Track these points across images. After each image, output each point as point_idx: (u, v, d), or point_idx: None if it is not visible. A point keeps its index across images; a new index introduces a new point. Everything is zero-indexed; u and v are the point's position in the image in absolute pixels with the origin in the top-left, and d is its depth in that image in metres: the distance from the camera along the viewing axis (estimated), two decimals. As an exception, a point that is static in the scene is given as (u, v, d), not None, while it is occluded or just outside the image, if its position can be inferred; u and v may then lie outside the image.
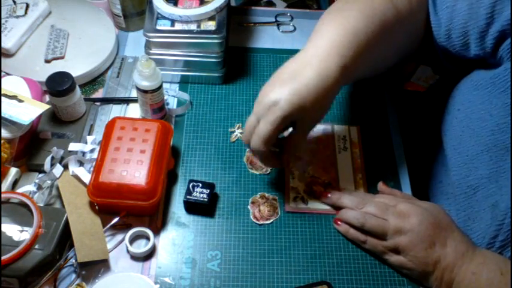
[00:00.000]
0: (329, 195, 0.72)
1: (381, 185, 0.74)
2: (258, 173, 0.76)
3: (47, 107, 0.74)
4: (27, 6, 0.88)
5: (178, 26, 0.81)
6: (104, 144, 0.70)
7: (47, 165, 0.71)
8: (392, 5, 0.69)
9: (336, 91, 0.66)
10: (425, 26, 0.74)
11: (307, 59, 0.65)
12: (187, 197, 0.70)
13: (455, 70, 0.76)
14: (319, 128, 0.82)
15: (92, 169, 0.70)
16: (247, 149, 0.78)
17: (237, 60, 0.91)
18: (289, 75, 0.64)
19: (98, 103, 0.83)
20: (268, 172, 0.77)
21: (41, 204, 0.69)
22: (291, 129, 0.70)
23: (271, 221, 0.72)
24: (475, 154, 0.67)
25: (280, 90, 0.63)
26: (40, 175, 0.73)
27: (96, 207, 0.70)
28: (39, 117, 0.76)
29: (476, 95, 0.68)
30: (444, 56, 0.75)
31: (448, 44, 0.71)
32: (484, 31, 0.64)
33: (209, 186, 0.71)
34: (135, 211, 0.70)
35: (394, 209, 0.66)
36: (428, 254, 0.63)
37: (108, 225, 0.68)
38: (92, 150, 0.76)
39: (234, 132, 0.81)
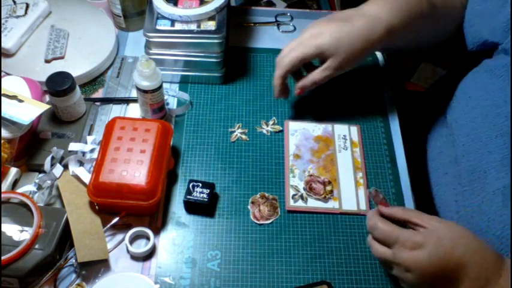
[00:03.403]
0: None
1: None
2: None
3: (47, 107, 0.74)
4: (27, 6, 0.88)
5: (178, 26, 0.81)
6: (104, 144, 0.70)
7: (47, 165, 0.72)
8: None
9: (375, 47, 0.73)
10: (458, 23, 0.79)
11: (361, 12, 0.73)
12: (187, 196, 0.70)
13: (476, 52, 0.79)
14: (320, 127, 0.82)
15: (92, 169, 0.70)
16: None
17: (237, 60, 0.91)
18: (341, 18, 0.73)
19: (98, 103, 0.83)
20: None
21: (41, 204, 0.69)
22: None
23: (271, 220, 0.72)
24: (489, 139, 0.68)
25: (328, 26, 0.72)
26: (40, 175, 0.73)
27: (96, 207, 0.70)
28: (39, 117, 0.77)
29: (489, 83, 0.70)
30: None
31: None
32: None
33: (209, 186, 0.71)
34: (135, 211, 0.70)
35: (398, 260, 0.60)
36: None
37: (108, 225, 0.68)
38: (92, 150, 0.76)
39: (234, 132, 0.81)
